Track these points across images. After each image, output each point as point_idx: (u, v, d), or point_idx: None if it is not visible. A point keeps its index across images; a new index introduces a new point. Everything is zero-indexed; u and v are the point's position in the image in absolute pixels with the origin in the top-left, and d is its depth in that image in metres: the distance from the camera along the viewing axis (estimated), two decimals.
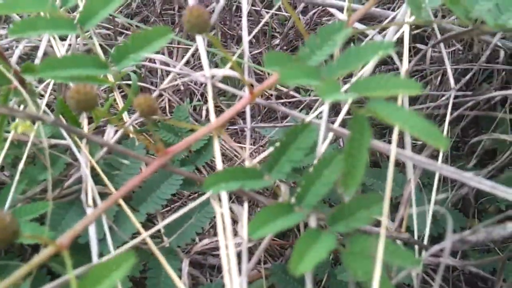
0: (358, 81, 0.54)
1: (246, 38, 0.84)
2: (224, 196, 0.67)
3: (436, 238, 1.30)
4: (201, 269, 1.32)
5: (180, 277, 1.02)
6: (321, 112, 0.80)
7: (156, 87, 1.18)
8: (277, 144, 0.66)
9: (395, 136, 0.67)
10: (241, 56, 1.03)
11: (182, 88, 1.55)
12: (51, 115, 0.95)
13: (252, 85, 0.70)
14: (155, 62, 1.46)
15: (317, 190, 0.62)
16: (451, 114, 1.21)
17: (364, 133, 0.52)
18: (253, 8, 1.72)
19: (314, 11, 1.63)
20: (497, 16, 0.62)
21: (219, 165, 0.69)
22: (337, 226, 0.60)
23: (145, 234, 0.72)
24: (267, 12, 1.70)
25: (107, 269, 0.52)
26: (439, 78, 1.22)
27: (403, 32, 0.98)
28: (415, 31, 1.21)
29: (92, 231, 0.80)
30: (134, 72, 1.06)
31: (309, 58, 0.62)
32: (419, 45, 1.31)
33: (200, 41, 0.83)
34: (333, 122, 0.85)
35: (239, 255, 0.69)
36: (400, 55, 1.05)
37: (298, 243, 0.55)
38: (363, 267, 0.55)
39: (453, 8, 0.59)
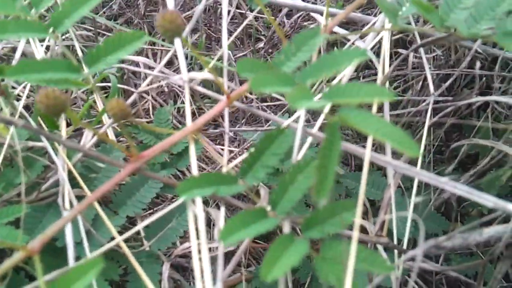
0: (331, 89, 0.54)
1: (225, 40, 0.84)
2: (199, 200, 0.66)
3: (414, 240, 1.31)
4: (184, 273, 1.31)
5: (160, 281, 1.01)
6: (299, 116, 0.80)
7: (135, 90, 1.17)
8: (252, 149, 0.65)
9: (369, 141, 0.67)
10: (219, 63, 1.03)
11: (166, 89, 1.54)
12: (28, 117, 0.94)
13: (230, 89, 0.70)
14: (138, 65, 1.45)
15: (292, 196, 0.62)
16: (433, 119, 1.22)
17: (335, 142, 0.52)
18: (238, 11, 1.72)
19: (298, 14, 1.63)
20: (472, 25, 0.62)
21: (194, 170, 0.68)
22: (311, 232, 0.60)
23: (119, 238, 0.71)
24: (252, 15, 1.70)
25: (77, 274, 0.52)
26: (420, 83, 1.23)
27: (383, 40, 0.98)
28: (397, 36, 1.21)
29: (68, 234, 0.79)
30: (115, 74, 1.05)
31: (283, 64, 0.62)
32: (401, 50, 1.31)
33: (179, 44, 0.83)
34: (314, 126, 0.85)
35: (217, 259, 0.69)
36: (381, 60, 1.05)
37: (271, 249, 0.55)
38: (335, 273, 0.54)
39: (428, 16, 0.59)
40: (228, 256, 1.06)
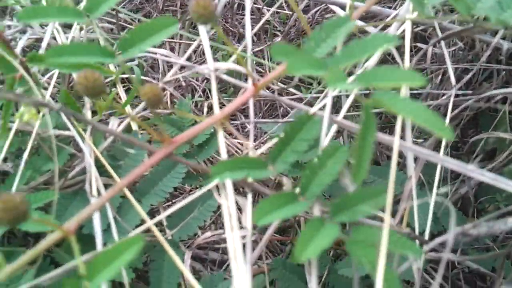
0: (364, 72, 0.55)
1: (249, 31, 0.85)
2: (229, 185, 0.67)
3: (436, 236, 1.31)
4: (203, 264, 1.33)
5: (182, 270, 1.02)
6: (324, 106, 0.81)
7: (158, 82, 1.19)
8: (282, 135, 0.67)
9: (398, 127, 0.68)
10: (244, 53, 1.04)
11: (184, 84, 1.56)
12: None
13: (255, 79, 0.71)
14: (157, 60, 1.47)
15: (321, 180, 0.63)
16: (452, 113, 1.22)
17: (370, 124, 0.53)
18: (255, 5, 1.73)
19: (316, 9, 1.64)
20: (499, 13, 0.63)
21: (224, 155, 0.70)
22: (340, 216, 0.61)
23: (150, 222, 0.72)
24: (268, 10, 1.71)
25: (116, 252, 0.53)
26: (439, 77, 1.23)
27: (404, 30, 0.99)
28: (416, 29, 1.21)
29: (96, 220, 0.81)
30: (137, 65, 1.06)
31: (313, 50, 0.63)
32: (420, 44, 1.32)
33: (204, 33, 0.84)
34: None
35: (243, 247, 0.70)
36: (401, 53, 1.06)
37: (303, 232, 0.56)
38: (367, 255, 0.55)
39: (456, 4, 0.60)
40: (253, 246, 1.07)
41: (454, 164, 0.62)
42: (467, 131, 1.50)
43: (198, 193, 0.79)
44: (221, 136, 0.72)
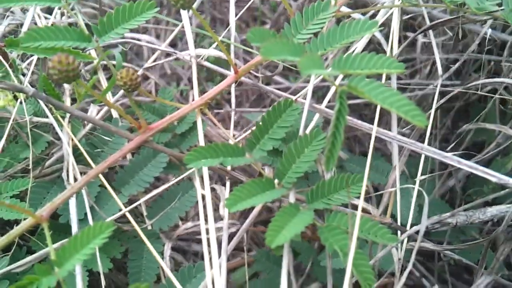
0: (341, 59, 0.53)
1: (233, 17, 0.83)
2: (206, 173, 0.66)
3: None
4: (185, 256, 1.31)
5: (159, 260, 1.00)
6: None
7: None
8: (260, 122, 0.65)
9: (377, 115, 0.67)
10: (229, 40, 1.03)
11: (168, 72, 1.53)
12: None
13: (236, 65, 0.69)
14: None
15: (298, 168, 0.61)
16: (440, 102, 1.21)
17: (343, 111, 0.51)
18: None
19: None
20: (481, 1, 0.62)
21: (202, 142, 0.68)
22: (316, 203, 0.59)
23: (125, 210, 0.71)
24: None
25: (86, 238, 0.52)
26: (428, 68, 1.22)
27: (393, 18, 0.97)
28: (405, 18, 1.19)
29: (72, 207, 0.79)
30: (120, 52, 1.04)
31: (294, 36, 0.62)
32: (409, 34, 1.30)
33: (186, 19, 0.82)
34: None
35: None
36: (391, 42, 1.04)
37: (276, 218, 0.54)
38: (338, 242, 0.54)
39: None
40: (231, 238, 1.06)
41: (432, 152, 0.60)
42: (458, 123, 1.49)
43: (174, 181, 0.78)
44: (199, 122, 0.70)
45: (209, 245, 0.65)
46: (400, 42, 1.08)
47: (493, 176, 0.59)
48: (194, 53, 0.81)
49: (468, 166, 0.60)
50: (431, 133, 1.32)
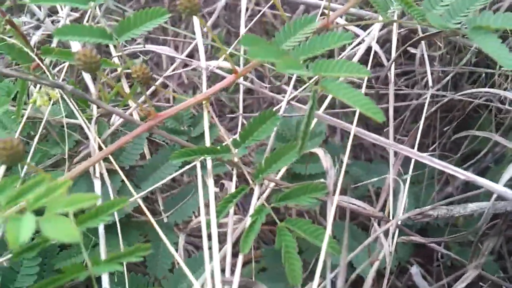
0: (317, 63, 0.63)
1: (243, 30, 0.93)
2: (209, 165, 0.76)
3: (420, 228, 1.38)
4: (197, 250, 1.40)
5: (177, 250, 1.10)
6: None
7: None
8: (247, 126, 0.77)
9: (356, 116, 0.76)
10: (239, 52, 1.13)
11: (186, 81, 1.64)
12: (64, 96, 1.04)
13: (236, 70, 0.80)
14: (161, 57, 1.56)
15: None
16: (436, 113, 1.30)
17: (313, 107, 0.61)
18: (257, 8, 1.81)
19: (314, 12, 1.71)
20: (448, 20, 0.70)
21: (207, 137, 0.78)
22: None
23: (137, 196, 0.81)
24: (270, 11, 1.79)
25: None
26: (425, 80, 1.30)
27: (391, 34, 1.07)
28: (401, 30, 1.28)
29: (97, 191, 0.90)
30: (142, 62, 1.15)
31: (282, 43, 0.72)
32: (409, 48, 1.39)
33: (198, 32, 0.93)
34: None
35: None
36: (389, 53, 1.14)
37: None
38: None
39: (410, 10, 0.67)
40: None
41: (409, 152, 0.69)
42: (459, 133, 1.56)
43: (181, 170, 0.89)
44: (205, 116, 0.81)
45: (209, 239, 0.76)
46: (400, 57, 1.17)
47: (462, 174, 0.67)
48: (205, 64, 0.92)
49: (441, 165, 0.69)
50: (432, 144, 1.41)
